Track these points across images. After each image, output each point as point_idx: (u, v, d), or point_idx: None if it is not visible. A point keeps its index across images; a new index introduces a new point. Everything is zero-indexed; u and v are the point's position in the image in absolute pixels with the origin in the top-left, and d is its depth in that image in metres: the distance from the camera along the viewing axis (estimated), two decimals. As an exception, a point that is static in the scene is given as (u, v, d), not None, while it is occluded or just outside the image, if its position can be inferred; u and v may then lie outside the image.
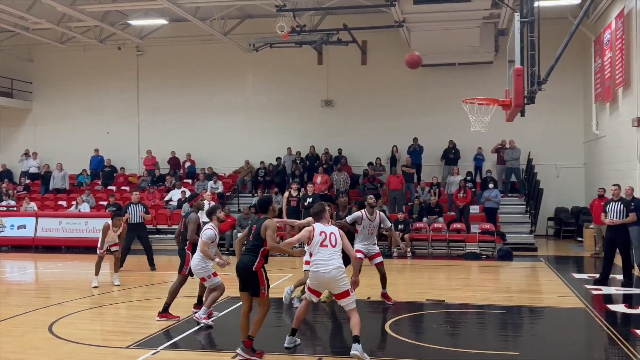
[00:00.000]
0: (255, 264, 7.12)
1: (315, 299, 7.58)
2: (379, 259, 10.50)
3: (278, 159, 23.49)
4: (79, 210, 20.42)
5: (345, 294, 7.23)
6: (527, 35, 11.21)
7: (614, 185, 12.77)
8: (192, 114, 25.48)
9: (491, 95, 13.05)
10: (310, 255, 7.44)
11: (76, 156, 25.40)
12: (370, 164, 22.48)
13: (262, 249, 7.16)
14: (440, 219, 19.20)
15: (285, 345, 7.53)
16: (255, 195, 21.82)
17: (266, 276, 7.22)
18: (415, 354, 7.62)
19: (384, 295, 10.52)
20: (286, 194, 18.80)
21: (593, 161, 21.26)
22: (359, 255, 9.97)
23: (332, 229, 7.46)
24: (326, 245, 7.27)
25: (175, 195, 21.87)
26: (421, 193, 20.68)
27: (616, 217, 12.04)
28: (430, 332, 8.83)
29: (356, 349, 6.88)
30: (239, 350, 7.12)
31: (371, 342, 8.63)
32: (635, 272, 13.50)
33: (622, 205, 12.07)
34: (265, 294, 7.15)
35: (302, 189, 19.06)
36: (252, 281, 7.14)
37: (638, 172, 15.47)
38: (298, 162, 22.91)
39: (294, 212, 18.03)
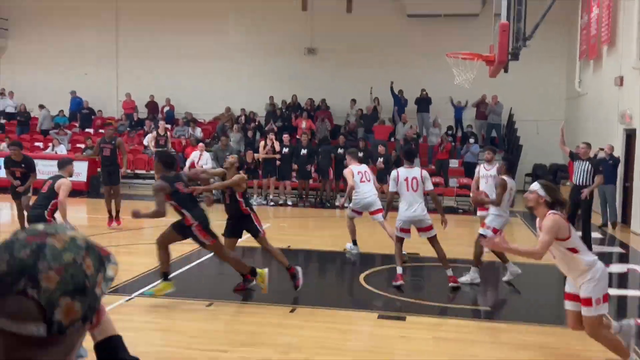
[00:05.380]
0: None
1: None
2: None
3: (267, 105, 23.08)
4: (56, 152, 20.11)
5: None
6: (514, -11, 10.99)
7: (583, 143, 12.26)
8: (172, 58, 24.91)
9: (475, 49, 12.90)
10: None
11: (53, 97, 24.83)
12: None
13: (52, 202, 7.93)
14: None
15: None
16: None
17: None
18: (387, 306, 7.69)
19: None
20: (262, 143, 18.41)
21: (574, 118, 21.27)
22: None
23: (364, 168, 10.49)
24: (364, 181, 10.25)
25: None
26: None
27: (583, 178, 11.71)
28: (403, 285, 8.90)
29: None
30: None
31: (345, 292, 8.69)
32: (609, 230, 13.69)
33: (590, 165, 11.58)
34: None
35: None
36: None
37: (618, 131, 15.52)
38: (280, 110, 22.62)
39: (269, 164, 17.80)
